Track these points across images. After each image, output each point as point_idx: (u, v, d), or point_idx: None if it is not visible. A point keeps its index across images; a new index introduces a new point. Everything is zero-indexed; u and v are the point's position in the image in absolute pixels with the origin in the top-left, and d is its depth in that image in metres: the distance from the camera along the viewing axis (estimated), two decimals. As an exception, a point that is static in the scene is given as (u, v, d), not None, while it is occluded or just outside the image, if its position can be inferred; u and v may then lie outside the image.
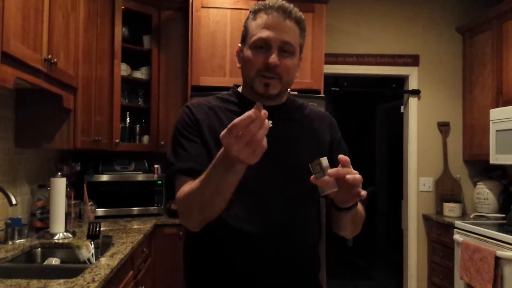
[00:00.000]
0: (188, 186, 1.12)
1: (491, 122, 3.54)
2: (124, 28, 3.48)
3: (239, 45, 1.31)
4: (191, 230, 1.20)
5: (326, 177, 1.02)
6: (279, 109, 1.32)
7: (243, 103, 1.30)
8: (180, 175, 1.20)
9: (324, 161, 1.02)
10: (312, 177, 1.04)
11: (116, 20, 3.31)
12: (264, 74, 1.23)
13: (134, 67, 3.66)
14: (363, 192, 1.04)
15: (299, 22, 1.26)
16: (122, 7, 3.37)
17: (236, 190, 1.05)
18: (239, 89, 1.38)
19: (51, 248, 2.35)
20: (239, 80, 1.38)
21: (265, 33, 1.22)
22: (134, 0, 3.46)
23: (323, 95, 3.28)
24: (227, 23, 3.38)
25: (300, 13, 1.27)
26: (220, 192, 1.03)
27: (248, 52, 1.25)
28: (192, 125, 1.26)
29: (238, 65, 1.32)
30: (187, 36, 3.40)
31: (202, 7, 3.35)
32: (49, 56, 1.99)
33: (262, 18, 1.24)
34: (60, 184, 2.49)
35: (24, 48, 1.77)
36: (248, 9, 1.35)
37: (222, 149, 0.94)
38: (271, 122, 1.20)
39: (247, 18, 1.29)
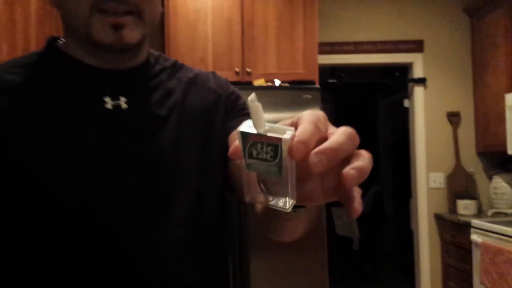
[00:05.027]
0: None
1: (507, 108, 3.24)
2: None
3: None
4: None
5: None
6: (140, 74, 0.82)
7: (70, 68, 0.79)
8: None
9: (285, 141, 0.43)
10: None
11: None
12: (105, 7, 0.70)
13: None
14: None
15: None
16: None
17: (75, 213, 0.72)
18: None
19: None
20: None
21: None
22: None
23: (318, 86, 2.93)
24: (208, 12, 3.05)
25: None
26: None
27: None
28: None
29: (54, 6, 0.77)
30: (162, 29, 3.06)
31: (179, -6, 3.01)
32: (-18, 47, 1.66)
33: None
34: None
35: None
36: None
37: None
38: (125, 100, 0.78)
39: None
